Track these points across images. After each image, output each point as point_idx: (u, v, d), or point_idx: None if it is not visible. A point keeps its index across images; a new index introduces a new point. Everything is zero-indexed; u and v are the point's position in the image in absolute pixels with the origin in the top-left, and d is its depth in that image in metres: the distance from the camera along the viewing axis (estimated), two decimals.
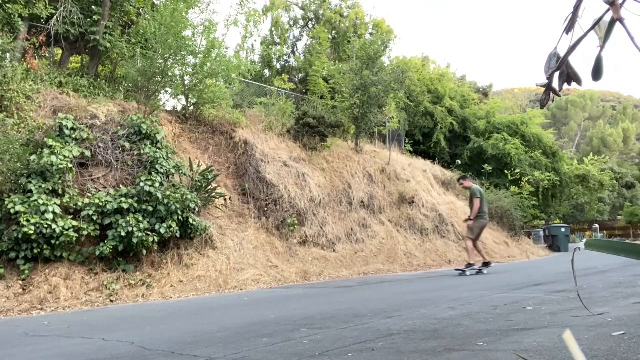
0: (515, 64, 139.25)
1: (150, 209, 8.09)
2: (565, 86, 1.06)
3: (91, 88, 10.16)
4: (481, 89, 28.76)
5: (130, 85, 10.98)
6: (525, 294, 5.74)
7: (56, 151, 7.67)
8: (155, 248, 8.26)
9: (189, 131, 11.20)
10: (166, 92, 11.31)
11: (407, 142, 20.64)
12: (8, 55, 8.42)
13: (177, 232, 8.28)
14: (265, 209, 11.03)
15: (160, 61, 10.03)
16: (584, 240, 25.65)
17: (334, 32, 21.97)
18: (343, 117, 14.93)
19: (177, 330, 4.35)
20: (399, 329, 3.75)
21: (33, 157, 7.42)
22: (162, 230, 8.01)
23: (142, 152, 8.77)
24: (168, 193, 8.31)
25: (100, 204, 7.77)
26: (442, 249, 13.97)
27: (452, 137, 22.52)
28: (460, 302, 5.24)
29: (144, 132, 8.99)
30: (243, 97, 14.48)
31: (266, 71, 21.57)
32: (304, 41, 22.91)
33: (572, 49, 1.01)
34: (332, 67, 18.21)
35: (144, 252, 8.00)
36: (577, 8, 1.00)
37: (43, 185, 7.43)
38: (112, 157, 8.68)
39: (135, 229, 7.64)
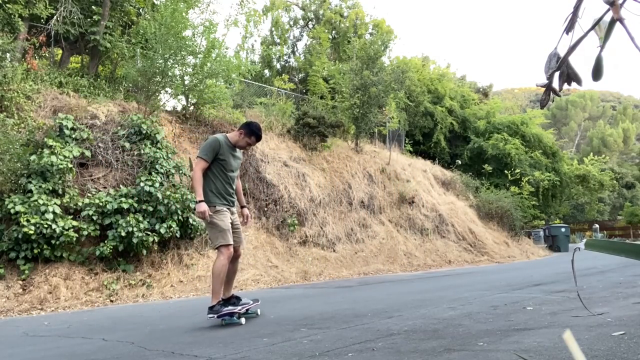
0: (515, 64, 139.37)
1: (150, 209, 8.09)
2: (565, 86, 1.06)
3: (91, 88, 10.16)
4: (481, 89, 28.79)
5: (130, 85, 10.99)
6: (525, 294, 5.74)
7: (56, 151, 7.67)
8: (155, 248, 8.26)
9: (189, 131, 11.20)
10: (166, 92, 11.31)
11: (407, 142, 20.65)
12: (8, 55, 8.41)
13: (177, 232, 8.28)
14: (265, 209, 11.03)
15: (160, 61, 10.03)
16: (584, 240, 25.65)
17: (334, 32, 21.98)
18: (343, 117, 14.94)
19: (177, 330, 4.35)
20: (399, 329, 3.75)
21: (33, 157, 7.42)
22: (162, 230, 8.02)
23: (142, 152, 8.77)
24: (168, 193, 8.32)
25: (100, 204, 7.77)
26: (442, 249, 13.97)
27: (452, 137, 22.54)
28: (460, 302, 5.24)
29: (144, 132, 9.00)
30: (243, 97, 14.49)
31: (266, 71, 21.59)
32: (304, 41, 22.95)
33: (572, 49, 1.01)
34: (332, 67, 18.22)
35: (144, 252, 8.00)
36: (577, 8, 1.00)
37: (43, 185, 7.43)
38: (112, 157, 8.68)
39: (135, 229, 7.64)
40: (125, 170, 8.72)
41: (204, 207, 4.27)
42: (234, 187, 4.70)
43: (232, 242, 4.41)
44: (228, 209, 4.53)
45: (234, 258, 4.64)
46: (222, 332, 4.07)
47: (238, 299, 4.58)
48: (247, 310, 4.58)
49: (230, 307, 4.35)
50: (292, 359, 2.90)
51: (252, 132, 4.59)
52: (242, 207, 5.00)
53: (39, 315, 6.18)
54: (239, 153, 4.74)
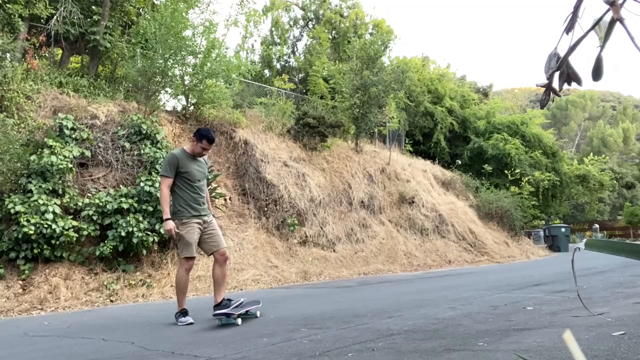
0: (515, 64, 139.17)
1: (150, 209, 8.09)
2: (565, 86, 1.06)
3: (91, 88, 10.15)
4: (481, 89, 28.76)
5: (130, 85, 10.98)
6: (525, 294, 5.74)
7: (56, 151, 7.67)
8: (155, 248, 8.26)
9: (189, 131, 11.20)
10: (166, 92, 11.30)
11: (407, 142, 20.64)
12: (8, 55, 8.41)
13: None
14: (265, 209, 11.03)
15: (160, 61, 10.02)
16: (584, 240, 25.64)
17: (334, 32, 21.98)
18: (343, 117, 14.93)
19: (177, 330, 4.35)
20: (399, 329, 3.75)
21: (33, 157, 7.42)
22: (162, 230, 8.01)
23: (142, 152, 8.77)
24: None
25: (100, 204, 7.77)
26: (442, 249, 13.97)
27: (452, 137, 22.52)
28: (460, 302, 5.24)
29: (144, 132, 8.99)
30: (243, 97, 14.48)
31: (266, 71, 21.58)
32: (304, 41, 22.94)
33: (572, 49, 1.01)
34: (332, 67, 18.21)
35: (144, 252, 8.00)
36: (577, 8, 1.00)
37: (43, 185, 7.43)
38: (112, 157, 8.68)
39: (135, 229, 7.64)
40: (125, 170, 8.72)
41: (170, 225, 4.52)
42: (204, 195, 4.86)
43: (194, 255, 4.70)
44: (200, 218, 4.72)
45: (222, 261, 4.78)
46: (222, 332, 4.08)
47: (229, 300, 4.64)
48: (246, 311, 4.62)
49: (223, 310, 4.44)
50: (292, 359, 2.90)
51: (201, 136, 4.74)
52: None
53: (39, 315, 6.18)
54: (201, 162, 4.90)
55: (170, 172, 4.64)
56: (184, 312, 4.67)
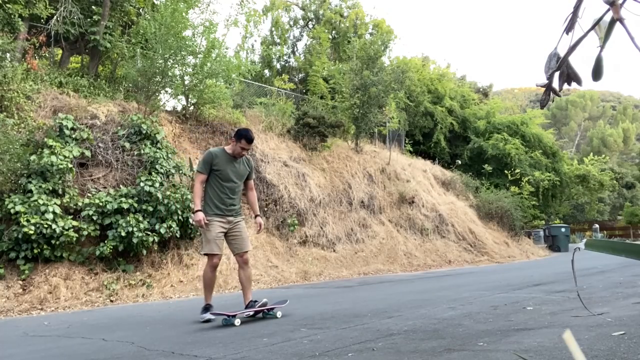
0: (515, 64, 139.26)
1: (150, 209, 8.09)
2: (565, 86, 1.06)
3: (91, 88, 10.15)
4: (481, 89, 28.75)
5: (130, 85, 10.98)
6: (525, 294, 5.74)
7: (56, 151, 7.67)
8: (155, 248, 8.26)
9: (189, 131, 11.21)
10: (166, 92, 11.30)
11: (407, 142, 20.64)
12: (8, 55, 8.41)
13: (177, 232, 8.28)
14: (265, 209, 11.03)
15: (160, 61, 10.02)
16: (584, 240, 25.63)
17: (334, 32, 21.98)
18: (343, 117, 14.94)
19: (177, 330, 4.35)
20: (399, 329, 3.75)
21: (33, 157, 7.42)
22: (162, 230, 8.02)
23: (142, 152, 8.77)
24: (168, 193, 8.32)
25: (100, 204, 7.77)
26: (442, 249, 13.97)
27: (452, 137, 22.52)
28: (460, 302, 5.24)
29: (144, 132, 8.99)
30: (243, 97, 14.48)
31: (266, 71, 21.58)
32: (304, 41, 22.94)
33: (572, 49, 1.01)
34: (332, 67, 18.21)
35: (144, 252, 8.00)
36: (577, 8, 1.00)
37: (43, 185, 7.42)
38: (112, 157, 8.68)
39: (135, 229, 7.63)
40: (125, 170, 8.72)
41: (199, 216, 4.61)
42: (235, 196, 4.85)
43: (215, 252, 4.70)
44: (224, 217, 4.75)
45: (242, 263, 4.86)
46: (222, 332, 4.08)
47: (255, 301, 4.73)
48: (268, 310, 4.77)
49: (246, 310, 4.64)
50: (292, 359, 2.90)
51: (240, 135, 4.78)
52: (255, 216, 5.17)
53: (39, 315, 6.18)
54: (240, 163, 4.90)
55: (204, 168, 4.75)
56: (206, 308, 4.76)
